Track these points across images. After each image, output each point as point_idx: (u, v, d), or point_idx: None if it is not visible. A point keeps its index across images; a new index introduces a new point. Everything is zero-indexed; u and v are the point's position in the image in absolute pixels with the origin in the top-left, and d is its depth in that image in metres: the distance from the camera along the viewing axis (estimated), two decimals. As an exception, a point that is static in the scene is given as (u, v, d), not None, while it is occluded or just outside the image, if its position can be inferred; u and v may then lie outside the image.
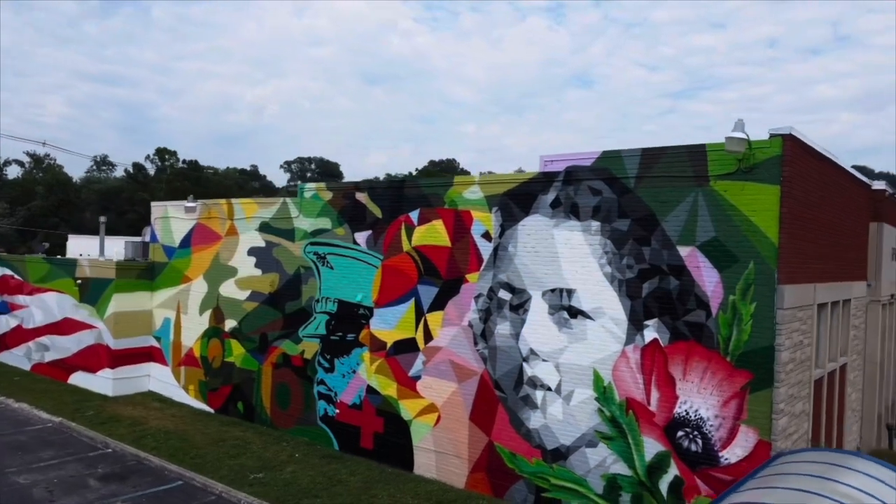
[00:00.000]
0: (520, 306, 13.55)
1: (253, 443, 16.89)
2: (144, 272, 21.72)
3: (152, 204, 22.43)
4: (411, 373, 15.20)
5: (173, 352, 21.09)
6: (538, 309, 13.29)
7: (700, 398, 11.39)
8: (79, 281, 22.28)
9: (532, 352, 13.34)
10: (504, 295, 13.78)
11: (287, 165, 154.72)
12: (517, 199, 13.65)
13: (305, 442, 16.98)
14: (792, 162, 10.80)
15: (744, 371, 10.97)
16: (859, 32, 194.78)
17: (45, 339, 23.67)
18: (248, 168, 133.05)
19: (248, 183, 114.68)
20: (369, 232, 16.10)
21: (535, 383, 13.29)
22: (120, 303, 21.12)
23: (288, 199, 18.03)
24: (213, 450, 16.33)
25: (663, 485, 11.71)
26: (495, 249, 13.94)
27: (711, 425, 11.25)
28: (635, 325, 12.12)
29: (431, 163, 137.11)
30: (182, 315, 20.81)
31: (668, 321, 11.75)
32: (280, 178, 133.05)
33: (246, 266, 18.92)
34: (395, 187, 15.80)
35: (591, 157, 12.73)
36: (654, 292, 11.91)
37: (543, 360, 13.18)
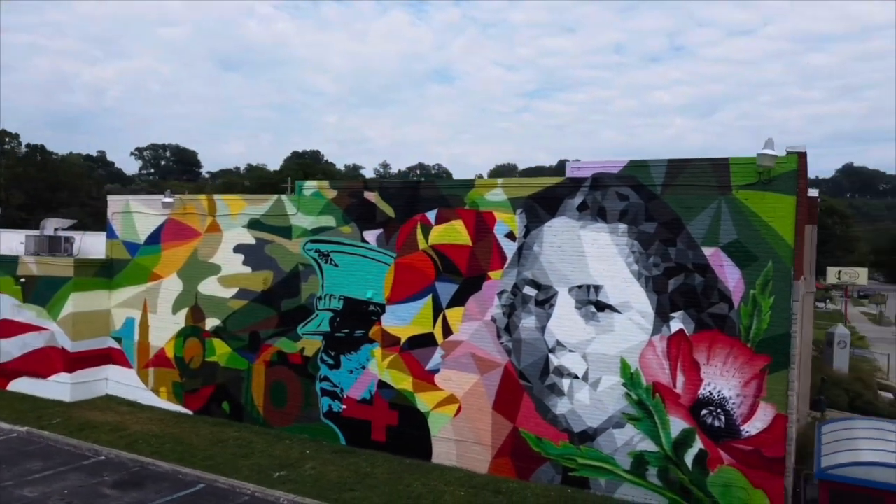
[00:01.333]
0: (546, 301, 14.60)
1: (255, 442, 16.72)
2: (102, 270, 20.50)
3: (109, 198, 21.15)
4: (429, 366, 15.81)
5: (139, 353, 20.12)
6: (565, 303, 14.41)
7: (723, 380, 13.01)
8: (22, 280, 20.60)
9: (559, 343, 14.44)
10: (529, 291, 14.77)
11: (139, 152, 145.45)
12: (543, 202, 14.67)
13: (307, 439, 17.04)
14: (804, 175, 12.65)
15: (763, 355, 12.69)
16: (692, 44, 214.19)
17: (-28, 344, 21.62)
18: (95, 154, 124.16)
19: (94, 170, 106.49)
20: (380, 230, 16.46)
21: (561, 372, 14.41)
22: (78, 302, 19.83)
23: (283, 197, 17.91)
24: (219, 451, 16.04)
25: (688, 458, 13.24)
26: (520, 248, 14.88)
27: (734, 403, 12.90)
28: (662, 317, 13.55)
29: (295, 153, 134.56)
30: (150, 314, 19.90)
31: (692, 313, 13.28)
32: (131, 166, 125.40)
33: (232, 263, 18.52)
34: (410, 188, 16.29)
35: (618, 166, 14.01)
36: (679, 288, 13.40)
37: (570, 351, 14.33)
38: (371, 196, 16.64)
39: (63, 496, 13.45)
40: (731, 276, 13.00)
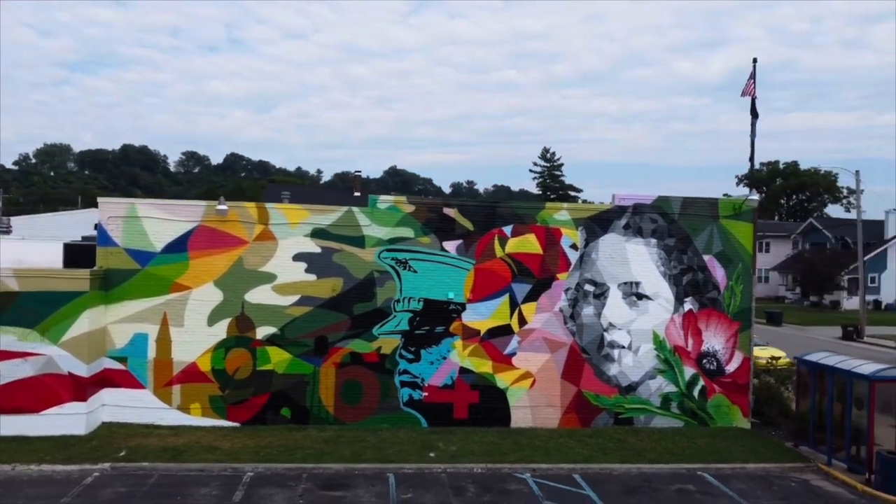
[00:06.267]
0: (601, 294, 20.03)
1: (361, 437, 18.01)
2: (102, 282, 17.97)
3: (101, 200, 18.25)
4: (506, 351, 19.64)
5: (156, 371, 18.36)
6: (615, 295, 20.07)
7: (715, 339, 20.44)
8: (-9, 297, 16.70)
9: (611, 324, 20.04)
10: (588, 288, 19.98)
11: None
12: (598, 222, 20.03)
13: (389, 428, 18.97)
14: (757, 211, 20.82)
15: (737, 321, 20.51)
16: (250, 40, 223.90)
17: None
18: None
19: None
20: (460, 241, 19.47)
21: (613, 345, 20.05)
22: (93, 320, 17.23)
23: (354, 209, 19.16)
24: (350, 447, 17.14)
25: (695, 392, 20.33)
26: (581, 256, 19.95)
27: (721, 353, 20.45)
28: (679, 301, 20.33)
29: None
30: (172, 328, 18.42)
31: (698, 298, 20.38)
32: None
33: (291, 271, 18.83)
34: (488, 207, 19.75)
35: (650, 199, 20.29)
36: (690, 282, 20.35)
37: (619, 329, 20.07)
38: (451, 212, 19.51)
39: (309, 505, 13.83)
40: (719, 273, 20.50)
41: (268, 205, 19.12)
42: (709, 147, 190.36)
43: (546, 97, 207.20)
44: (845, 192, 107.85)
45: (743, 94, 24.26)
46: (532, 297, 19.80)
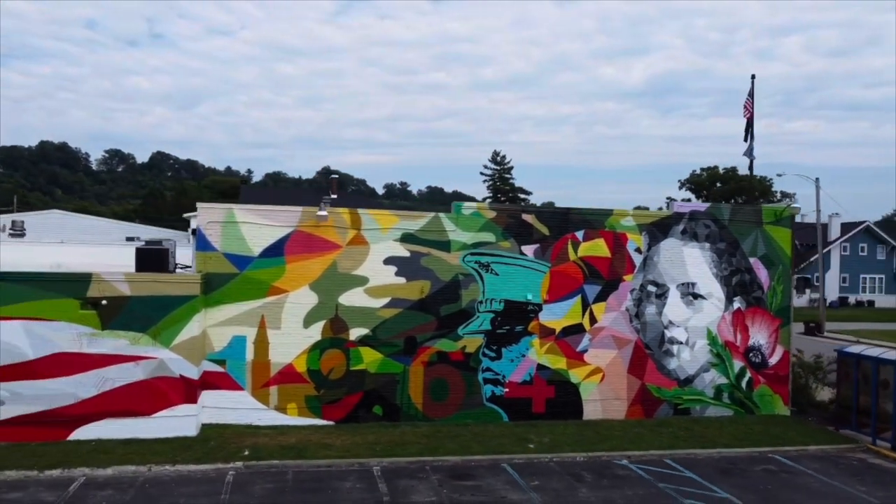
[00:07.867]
0: (662, 295, 21.63)
1: (459, 433, 18.87)
2: (204, 285, 18.26)
3: (199, 205, 18.45)
4: (579, 348, 20.97)
5: (254, 373, 18.77)
6: (674, 295, 21.71)
7: (759, 335, 22.37)
8: (103, 302, 16.77)
9: (671, 322, 21.67)
10: (651, 288, 21.55)
11: None
12: (659, 228, 21.62)
13: (475, 423, 19.97)
14: (794, 218, 22.88)
15: (779, 318, 22.51)
16: (173, 35, 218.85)
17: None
18: None
19: None
20: (537, 245, 20.69)
21: (672, 341, 21.68)
22: (203, 323, 17.55)
23: (441, 215, 20.07)
24: (452, 441, 18.06)
25: (743, 383, 22.20)
26: (644, 259, 21.50)
27: (765, 347, 22.40)
28: (728, 300, 22.15)
29: None
30: (269, 330, 18.87)
31: (745, 297, 22.26)
32: None
33: (382, 275, 19.57)
34: (562, 213, 21.03)
35: (704, 206, 22.04)
36: (738, 283, 22.21)
37: (677, 326, 21.72)
38: (528, 218, 20.69)
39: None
40: (763, 274, 22.45)
41: (360, 210, 19.80)
42: (630, 150, 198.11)
43: (474, 100, 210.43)
44: (779, 195, 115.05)
45: (746, 111, 26.63)
46: (601, 297, 21.20)
